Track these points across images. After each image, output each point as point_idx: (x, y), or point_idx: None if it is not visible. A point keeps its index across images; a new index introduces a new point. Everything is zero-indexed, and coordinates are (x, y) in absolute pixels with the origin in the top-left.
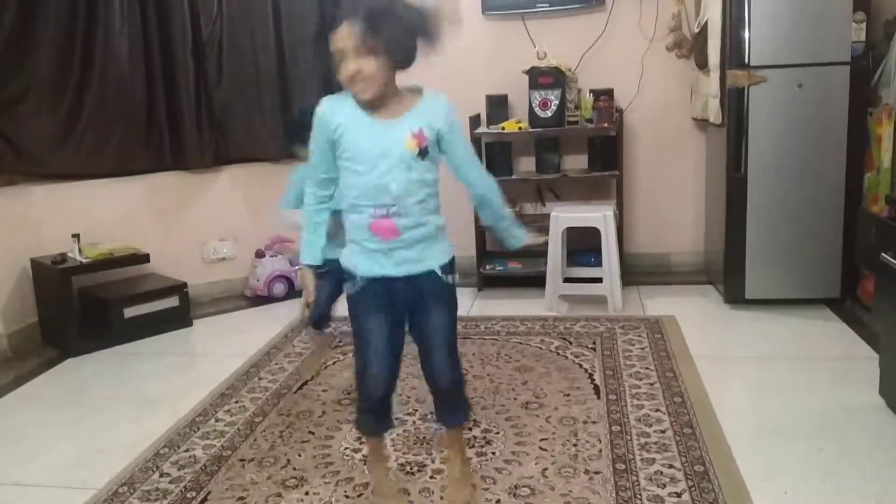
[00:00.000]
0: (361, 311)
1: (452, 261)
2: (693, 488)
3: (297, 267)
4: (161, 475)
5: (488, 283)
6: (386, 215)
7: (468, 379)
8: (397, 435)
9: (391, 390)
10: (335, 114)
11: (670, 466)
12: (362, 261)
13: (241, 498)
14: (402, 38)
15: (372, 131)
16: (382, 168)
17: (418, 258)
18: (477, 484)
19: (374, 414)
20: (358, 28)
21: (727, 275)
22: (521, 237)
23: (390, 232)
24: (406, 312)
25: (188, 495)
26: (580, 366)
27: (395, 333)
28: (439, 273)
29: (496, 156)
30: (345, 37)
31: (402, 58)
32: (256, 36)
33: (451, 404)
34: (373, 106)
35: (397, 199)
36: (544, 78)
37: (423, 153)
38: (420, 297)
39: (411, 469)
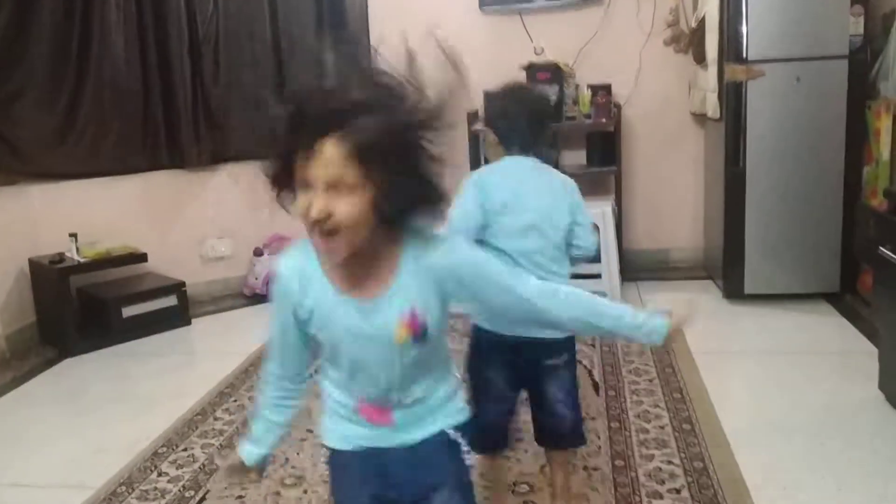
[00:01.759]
0: None
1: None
2: (692, 484)
3: None
4: (159, 474)
5: None
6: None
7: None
8: None
9: None
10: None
11: (669, 462)
12: None
13: (240, 497)
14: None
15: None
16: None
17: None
18: None
19: None
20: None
21: (726, 270)
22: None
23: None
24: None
25: (186, 494)
26: (579, 362)
27: None
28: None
29: None
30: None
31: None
32: (253, 34)
33: None
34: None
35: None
36: (542, 73)
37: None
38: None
39: None
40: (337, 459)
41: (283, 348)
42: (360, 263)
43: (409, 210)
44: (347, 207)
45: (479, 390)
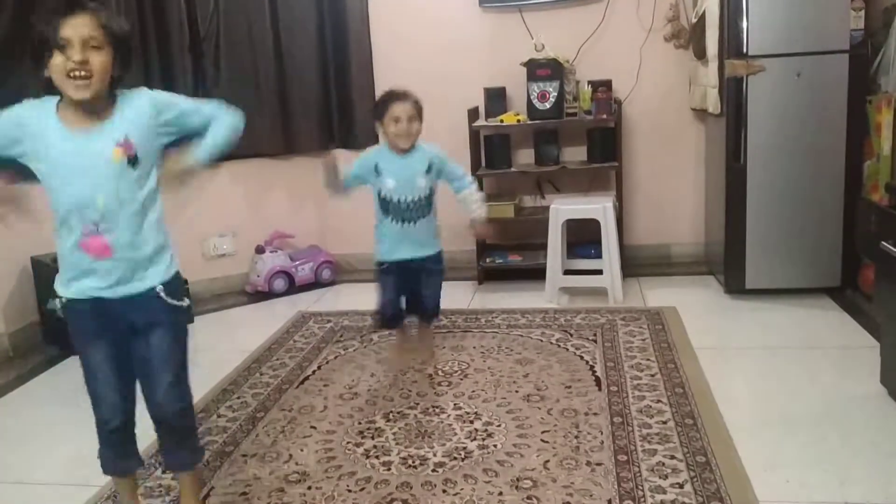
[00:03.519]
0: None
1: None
2: (695, 479)
3: (297, 262)
4: (163, 471)
5: (488, 276)
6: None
7: (469, 372)
8: (399, 429)
9: (129, 418)
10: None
11: (672, 457)
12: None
13: (244, 493)
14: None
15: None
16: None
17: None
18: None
19: (112, 448)
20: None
21: (727, 265)
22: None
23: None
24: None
25: None
26: (581, 358)
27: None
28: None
29: (495, 149)
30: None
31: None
32: (254, 32)
33: (178, 441)
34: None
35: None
36: (542, 70)
37: (132, 162)
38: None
39: (413, 463)
40: (72, 307)
41: None
42: (91, 107)
43: (123, 75)
44: (99, 58)
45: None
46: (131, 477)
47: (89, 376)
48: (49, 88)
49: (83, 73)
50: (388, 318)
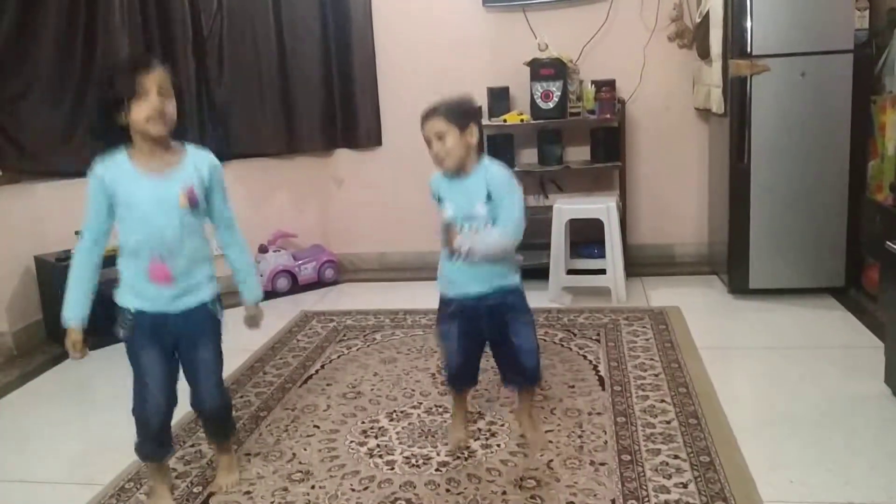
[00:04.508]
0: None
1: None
2: (699, 479)
3: (300, 262)
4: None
5: None
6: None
7: None
8: (402, 428)
9: (169, 417)
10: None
11: (676, 457)
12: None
13: (248, 492)
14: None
15: None
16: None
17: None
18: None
19: (151, 442)
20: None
21: (731, 265)
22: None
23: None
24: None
25: (194, 490)
26: (585, 357)
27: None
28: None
29: (498, 148)
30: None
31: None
32: (257, 31)
33: (217, 427)
34: None
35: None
36: (546, 69)
37: (193, 207)
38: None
39: (416, 462)
40: (136, 318)
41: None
42: (158, 157)
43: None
44: (171, 104)
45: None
46: (165, 459)
47: (140, 379)
48: (119, 136)
49: (162, 115)
50: (455, 376)
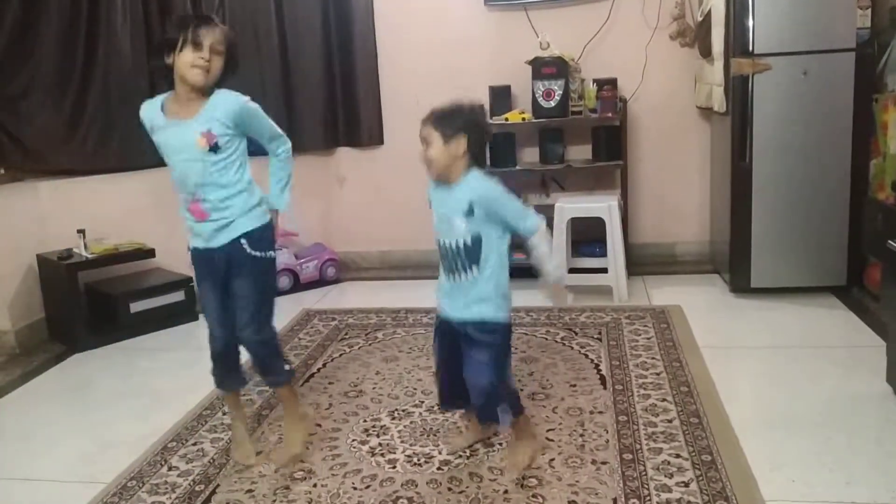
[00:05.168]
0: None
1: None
2: (700, 478)
3: (301, 260)
4: (169, 469)
5: None
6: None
7: None
8: (404, 427)
9: (230, 344)
10: None
11: (677, 456)
12: None
13: (250, 491)
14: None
15: None
16: None
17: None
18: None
19: (218, 367)
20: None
21: (733, 264)
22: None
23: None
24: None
25: (197, 488)
26: (586, 356)
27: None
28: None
29: (500, 147)
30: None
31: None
32: (259, 30)
33: (263, 366)
34: None
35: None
36: (548, 68)
37: (213, 149)
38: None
39: (418, 461)
40: (192, 254)
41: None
42: (192, 101)
43: (227, 77)
44: (217, 61)
45: None
46: (235, 393)
47: (203, 310)
48: (164, 73)
49: (205, 67)
50: (440, 390)
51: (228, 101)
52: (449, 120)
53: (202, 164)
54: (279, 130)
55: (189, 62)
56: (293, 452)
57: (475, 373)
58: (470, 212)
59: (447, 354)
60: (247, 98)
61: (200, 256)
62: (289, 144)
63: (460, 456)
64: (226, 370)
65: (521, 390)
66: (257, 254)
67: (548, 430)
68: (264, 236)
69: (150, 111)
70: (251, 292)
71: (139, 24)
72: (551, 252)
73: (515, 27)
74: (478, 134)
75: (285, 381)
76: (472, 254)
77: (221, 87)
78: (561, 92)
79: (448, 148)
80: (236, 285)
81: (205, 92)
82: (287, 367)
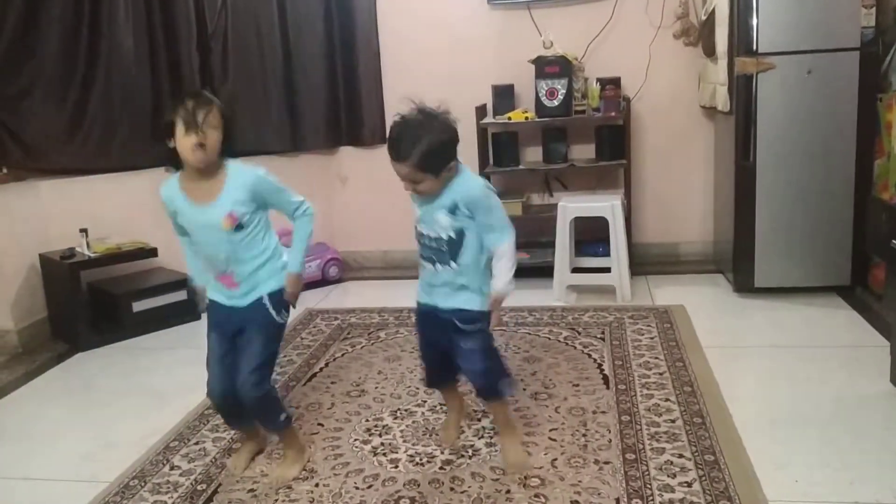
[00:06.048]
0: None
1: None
2: (703, 478)
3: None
4: (171, 468)
5: None
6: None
7: None
8: (406, 426)
9: (229, 395)
10: None
11: (680, 456)
12: None
13: (252, 490)
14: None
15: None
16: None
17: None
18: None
19: (221, 414)
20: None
21: (736, 263)
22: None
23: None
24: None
25: (198, 488)
26: (589, 356)
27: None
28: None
29: (503, 146)
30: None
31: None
32: (262, 29)
33: (260, 417)
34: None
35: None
36: (551, 67)
37: (237, 228)
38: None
39: (420, 460)
40: (210, 305)
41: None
42: (203, 183)
43: (229, 152)
44: (214, 135)
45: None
46: (246, 428)
47: (206, 360)
48: (172, 156)
49: (202, 145)
50: (426, 373)
51: (244, 177)
52: (434, 157)
53: (229, 244)
54: (297, 197)
55: (189, 147)
56: (287, 476)
57: (469, 361)
58: (454, 209)
59: (427, 339)
60: (263, 171)
61: (218, 310)
62: (309, 205)
63: (462, 455)
64: (229, 417)
65: (524, 390)
66: (275, 314)
67: (551, 430)
68: (281, 297)
69: (170, 193)
70: (260, 348)
71: (141, 23)
72: (510, 270)
73: (519, 26)
74: (454, 146)
75: (284, 428)
76: (454, 247)
77: (230, 157)
78: (564, 91)
79: (440, 177)
80: (245, 338)
81: (216, 166)
82: (284, 416)
